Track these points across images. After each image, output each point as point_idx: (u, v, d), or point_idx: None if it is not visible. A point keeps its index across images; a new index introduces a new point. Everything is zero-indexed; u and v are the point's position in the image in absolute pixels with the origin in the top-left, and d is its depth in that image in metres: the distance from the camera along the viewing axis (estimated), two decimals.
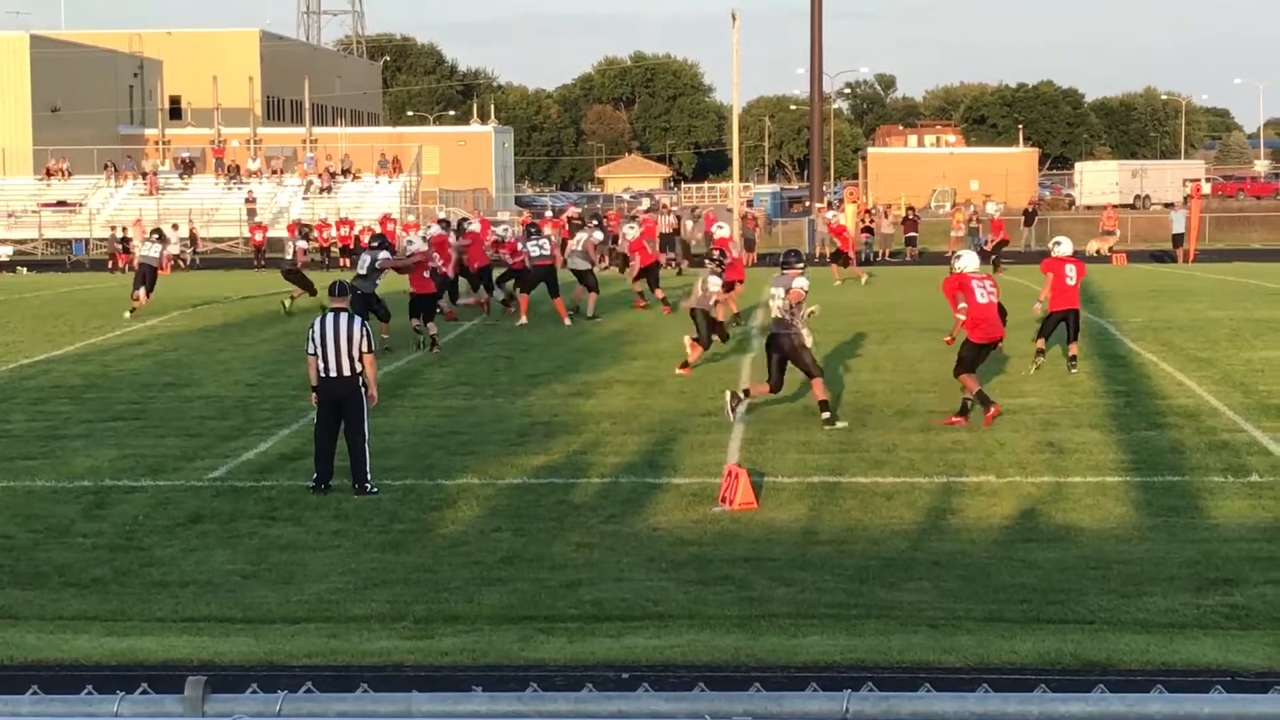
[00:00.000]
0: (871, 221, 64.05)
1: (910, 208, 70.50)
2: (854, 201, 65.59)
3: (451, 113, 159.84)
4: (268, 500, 16.28)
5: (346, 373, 16.39)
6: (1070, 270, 24.86)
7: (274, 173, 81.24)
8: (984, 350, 20.65)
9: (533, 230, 36.23)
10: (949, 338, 21.06)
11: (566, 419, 21.09)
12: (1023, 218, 73.13)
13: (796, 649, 10.85)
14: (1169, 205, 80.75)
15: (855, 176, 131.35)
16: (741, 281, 33.08)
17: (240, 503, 16.19)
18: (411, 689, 4.34)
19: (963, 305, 20.73)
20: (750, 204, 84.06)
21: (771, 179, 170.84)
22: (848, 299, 39.72)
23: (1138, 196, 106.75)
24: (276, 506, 15.98)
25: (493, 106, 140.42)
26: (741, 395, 20.67)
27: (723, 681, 9.19)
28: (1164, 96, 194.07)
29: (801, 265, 21.12)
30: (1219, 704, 3.73)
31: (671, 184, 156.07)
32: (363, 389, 16.48)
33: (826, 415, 20.18)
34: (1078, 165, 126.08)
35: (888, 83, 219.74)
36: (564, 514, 15.49)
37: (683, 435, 19.73)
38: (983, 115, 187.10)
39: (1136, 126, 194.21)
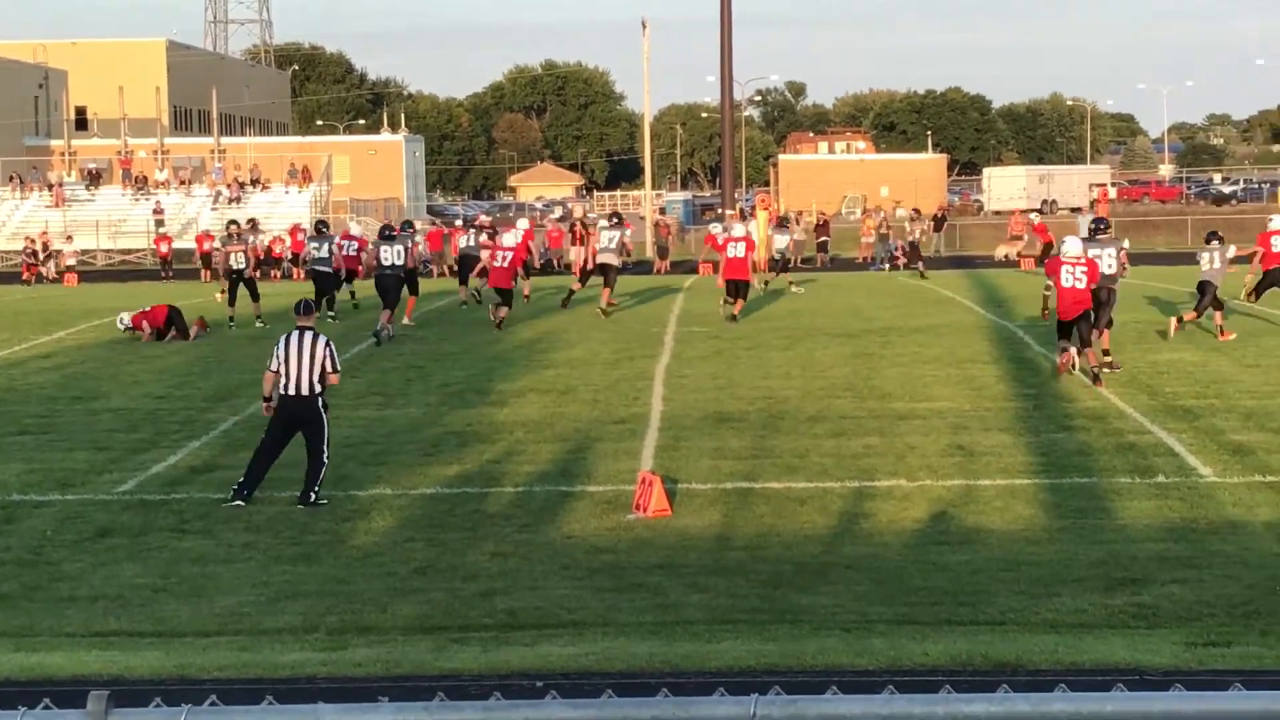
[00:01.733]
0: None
1: (821, 214, 70.83)
2: (766, 209, 65.74)
3: (361, 122, 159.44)
4: (178, 513, 16.15)
5: (305, 392, 16.36)
6: (1276, 240, 30.76)
7: (182, 183, 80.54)
8: (1067, 325, 23.65)
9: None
10: (1044, 312, 25.01)
11: (480, 428, 21.05)
12: (932, 224, 73.70)
13: (711, 655, 10.88)
14: (1076, 210, 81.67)
15: (767, 183, 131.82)
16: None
17: (150, 516, 16.06)
18: (317, 700, 4.32)
19: (1050, 285, 24.14)
20: (663, 212, 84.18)
21: (684, 186, 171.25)
22: (753, 306, 39.79)
23: (1045, 201, 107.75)
24: (187, 519, 15.87)
25: (403, 115, 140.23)
26: (1073, 356, 24.13)
27: (635, 688, 9.21)
28: (1070, 102, 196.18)
29: (1109, 230, 25.85)
30: (1121, 702, 3.78)
31: (584, 192, 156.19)
32: (323, 409, 16.43)
33: (1109, 360, 24.54)
34: (986, 171, 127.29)
35: (798, 90, 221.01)
36: (478, 523, 15.47)
37: (596, 443, 19.74)
38: (892, 122, 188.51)
39: (1043, 132, 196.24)
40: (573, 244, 55.33)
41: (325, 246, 37.62)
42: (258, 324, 35.20)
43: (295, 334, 16.55)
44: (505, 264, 34.16)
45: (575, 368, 27.05)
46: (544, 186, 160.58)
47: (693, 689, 9.05)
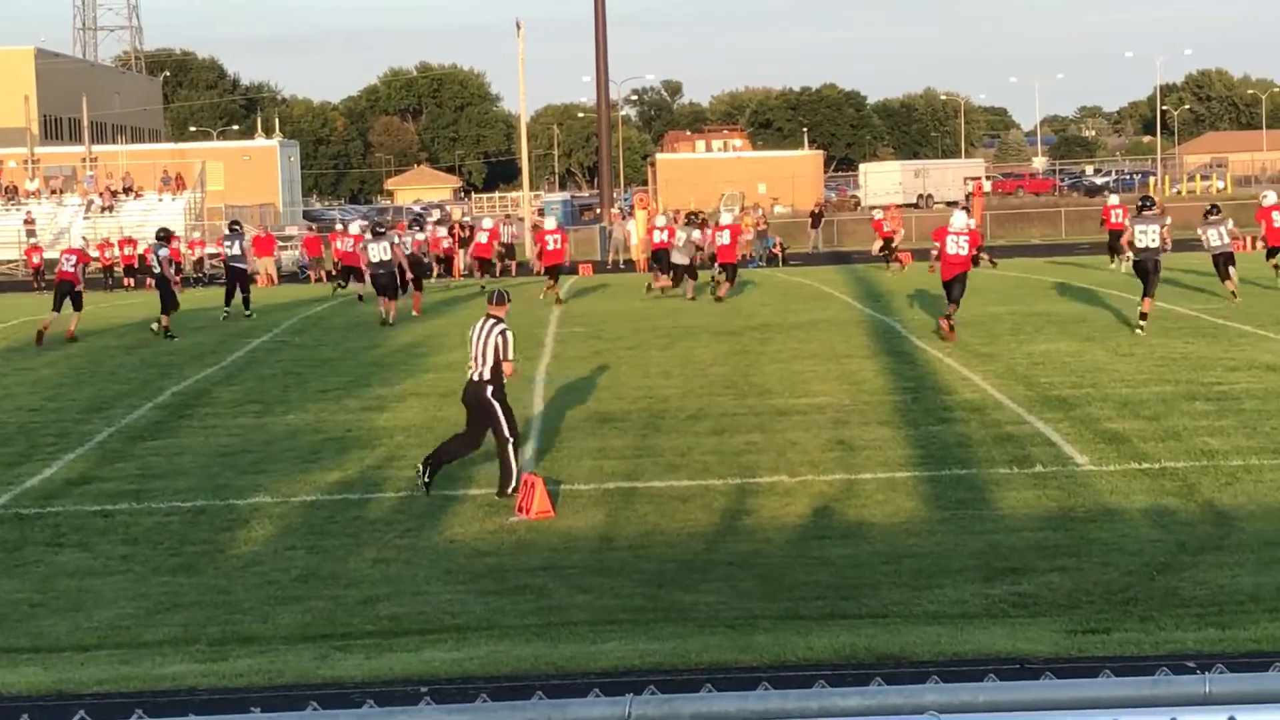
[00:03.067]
0: None
1: (699, 212, 70.91)
2: (644, 208, 65.86)
3: (235, 127, 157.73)
4: (54, 527, 15.92)
5: (474, 378, 16.66)
6: (1277, 215, 34.85)
7: (53, 193, 79.46)
8: (949, 285, 28.33)
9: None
10: (931, 267, 30.23)
11: (360, 434, 20.91)
12: (810, 219, 74.16)
13: (595, 655, 10.87)
14: (952, 204, 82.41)
15: (645, 183, 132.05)
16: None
17: (25, 530, 15.82)
18: (189, 712, 4.27)
19: (938, 250, 28.61)
20: (541, 213, 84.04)
21: (562, 187, 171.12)
22: (634, 306, 39.83)
23: (921, 196, 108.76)
24: (63, 533, 15.64)
25: (277, 120, 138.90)
26: (1141, 319, 28.17)
27: (518, 691, 9.18)
28: (943, 97, 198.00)
29: (1154, 208, 29.45)
30: (994, 692, 3.81)
31: (462, 194, 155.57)
32: (492, 398, 16.55)
33: (1143, 327, 27.95)
34: (862, 166, 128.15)
35: (674, 89, 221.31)
36: (359, 529, 15.37)
37: None
38: (768, 119, 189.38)
39: (918, 127, 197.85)
40: (457, 246, 55.39)
41: (238, 244, 39.97)
42: (152, 327, 34.97)
43: (481, 321, 16.94)
44: (558, 246, 40.98)
45: (454, 370, 26.87)
46: (421, 189, 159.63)
47: (577, 691, 9.04)
